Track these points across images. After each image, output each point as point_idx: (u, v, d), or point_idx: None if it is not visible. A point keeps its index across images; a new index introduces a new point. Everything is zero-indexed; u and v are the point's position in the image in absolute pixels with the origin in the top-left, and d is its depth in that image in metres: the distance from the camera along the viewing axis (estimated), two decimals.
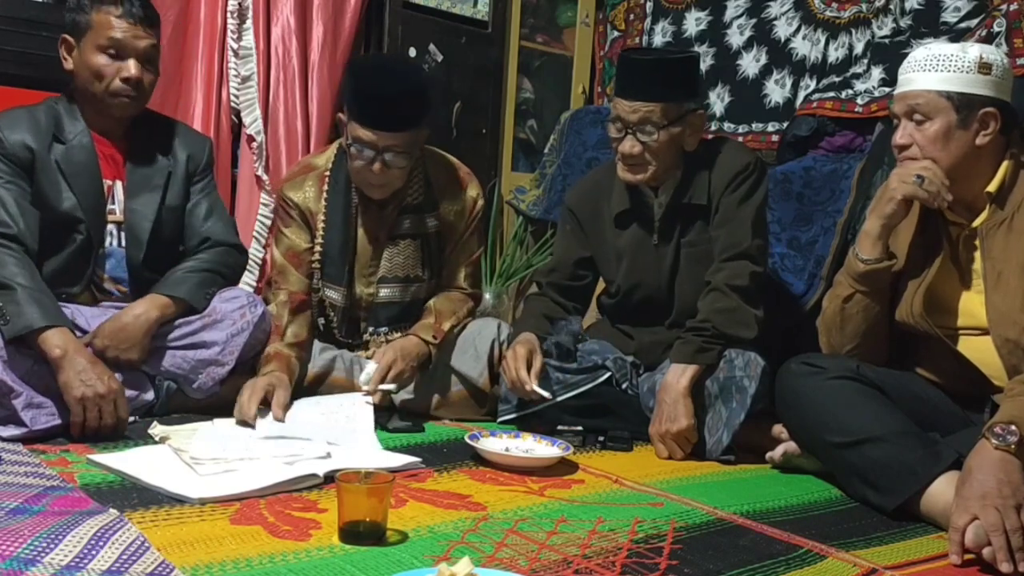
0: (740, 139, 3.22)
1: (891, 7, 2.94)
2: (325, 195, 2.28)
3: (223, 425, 1.95)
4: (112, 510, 1.37)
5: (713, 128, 3.33)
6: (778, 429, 2.02)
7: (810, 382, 1.84)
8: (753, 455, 2.06)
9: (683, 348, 2.10)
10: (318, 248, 2.27)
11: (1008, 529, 1.43)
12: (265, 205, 3.01)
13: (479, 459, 1.90)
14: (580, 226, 2.38)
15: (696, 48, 3.46)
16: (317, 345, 2.27)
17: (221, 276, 2.14)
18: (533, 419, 2.20)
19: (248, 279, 2.82)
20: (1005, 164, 1.80)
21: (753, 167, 2.20)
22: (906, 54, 1.92)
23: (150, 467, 1.63)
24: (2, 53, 2.50)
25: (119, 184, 2.12)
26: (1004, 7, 2.59)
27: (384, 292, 2.33)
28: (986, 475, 1.48)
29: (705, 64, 3.38)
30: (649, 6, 3.74)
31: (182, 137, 2.24)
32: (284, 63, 3.12)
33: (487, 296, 3.53)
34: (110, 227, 2.11)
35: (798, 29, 3.23)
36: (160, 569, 1.19)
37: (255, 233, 2.97)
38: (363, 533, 1.36)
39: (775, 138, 3.18)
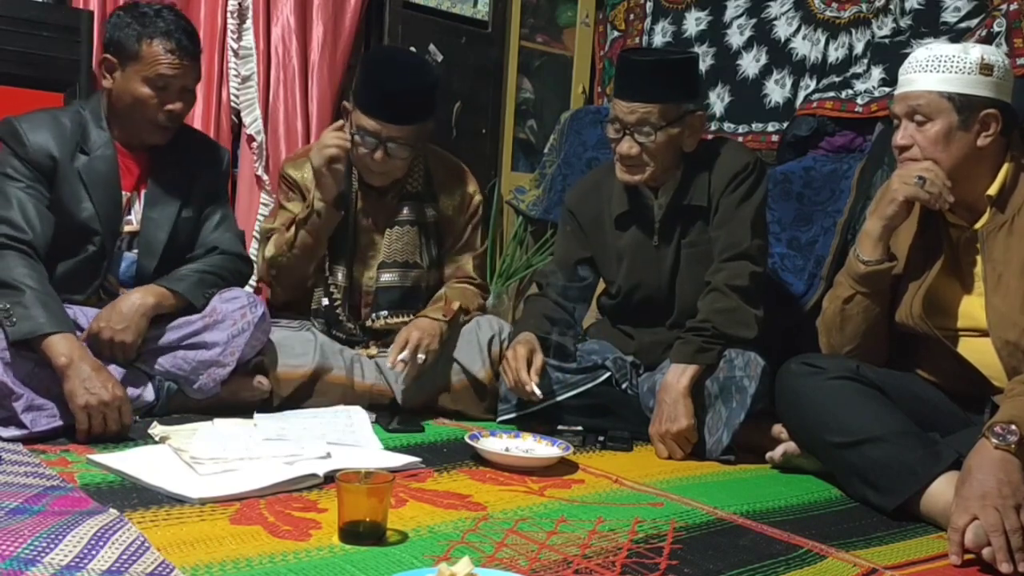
0: (740, 139, 3.22)
1: (891, 7, 2.94)
2: None
3: (223, 425, 1.95)
4: (112, 510, 1.37)
5: (713, 128, 3.33)
6: (778, 429, 2.03)
7: (810, 382, 1.85)
8: (753, 455, 2.06)
9: (683, 348, 2.10)
10: None
11: (1008, 529, 1.43)
12: (265, 205, 3.01)
13: (479, 459, 1.90)
14: (580, 227, 2.38)
15: (696, 48, 3.46)
16: (317, 340, 2.27)
17: (222, 279, 2.15)
18: (533, 419, 2.20)
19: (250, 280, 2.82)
20: (1006, 167, 1.80)
21: (752, 167, 2.20)
22: (906, 54, 1.92)
23: (150, 467, 1.63)
24: (2, 53, 2.49)
25: (137, 196, 2.13)
26: (1004, 7, 2.59)
27: (385, 276, 2.36)
28: (986, 475, 1.48)
29: (705, 64, 3.38)
30: (649, 6, 3.74)
31: (201, 147, 2.26)
32: (284, 63, 3.12)
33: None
34: (124, 237, 2.12)
35: (798, 29, 3.23)
36: (160, 569, 1.19)
37: (255, 233, 2.97)
38: (363, 533, 1.36)
39: (775, 138, 3.18)
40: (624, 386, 2.25)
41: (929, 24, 2.83)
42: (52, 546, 1.20)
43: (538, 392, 2.09)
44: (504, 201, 3.79)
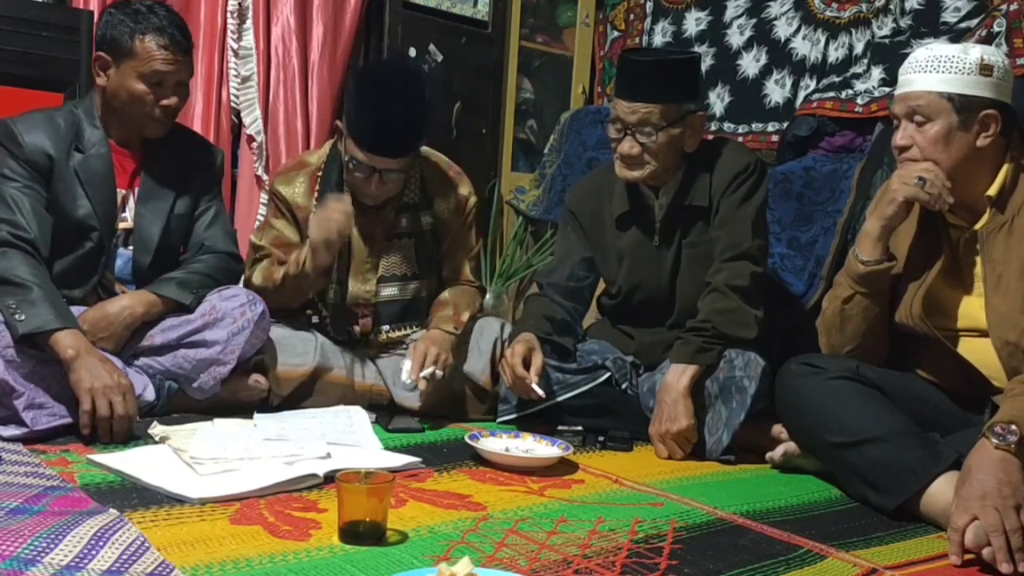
0: (740, 139, 3.22)
1: (891, 7, 2.94)
2: (316, 194, 2.28)
3: (223, 425, 1.95)
4: (112, 510, 1.37)
5: (713, 128, 3.33)
6: (778, 429, 2.03)
7: (810, 382, 1.85)
8: (753, 455, 2.06)
9: (683, 348, 2.10)
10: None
11: (1008, 529, 1.43)
12: (265, 205, 3.01)
13: (479, 459, 1.90)
14: (581, 227, 2.38)
15: (696, 48, 3.46)
16: (317, 339, 2.27)
17: (214, 281, 2.15)
18: (533, 419, 2.20)
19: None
20: (1005, 167, 1.80)
21: (753, 168, 2.20)
22: (906, 54, 1.92)
23: (150, 467, 1.63)
24: (2, 53, 2.50)
25: (132, 193, 2.14)
26: (1004, 7, 2.59)
27: (385, 291, 2.33)
28: (986, 475, 1.48)
29: (705, 64, 3.39)
30: (649, 6, 3.74)
31: (195, 147, 2.26)
32: (284, 63, 3.12)
33: (487, 296, 3.53)
34: (119, 233, 2.12)
35: (798, 29, 3.23)
36: (160, 569, 1.19)
37: (252, 237, 2.97)
38: (363, 533, 1.36)
39: (775, 138, 3.18)
40: (624, 386, 2.25)
41: (929, 24, 2.83)
42: (52, 546, 1.20)
43: (540, 392, 2.08)
44: (504, 201, 3.79)
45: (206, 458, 1.68)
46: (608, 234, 2.33)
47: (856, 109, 2.86)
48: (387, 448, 1.91)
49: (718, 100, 3.42)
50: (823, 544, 1.50)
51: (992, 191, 1.80)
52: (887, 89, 2.78)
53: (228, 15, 3.00)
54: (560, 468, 1.89)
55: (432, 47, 3.51)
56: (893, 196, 1.81)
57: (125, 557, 1.20)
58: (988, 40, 2.55)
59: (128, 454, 1.73)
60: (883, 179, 2.53)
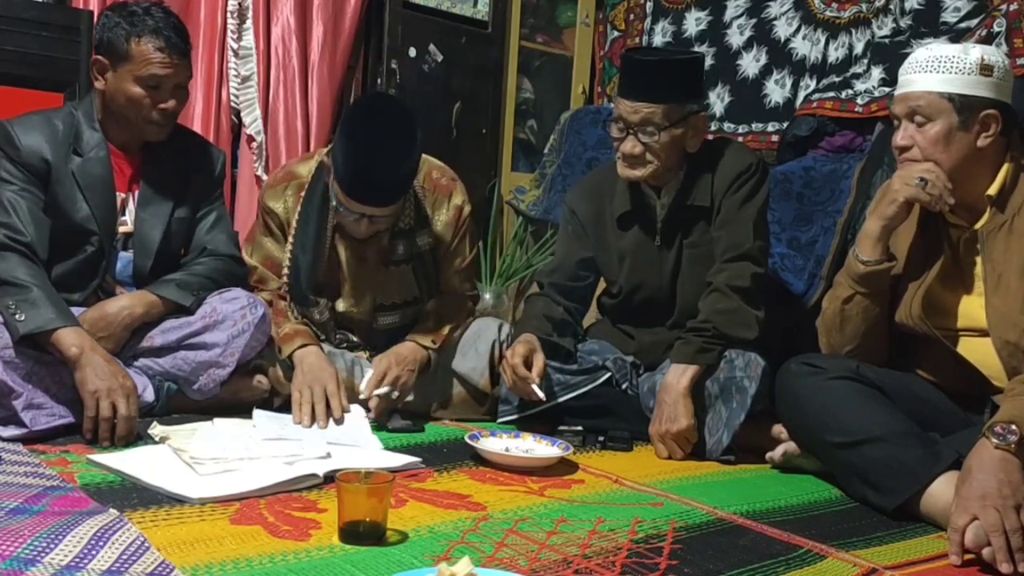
0: (740, 139, 3.22)
1: (891, 7, 2.95)
2: (299, 211, 2.23)
3: (223, 425, 1.95)
4: (112, 510, 1.37)
5: (713, 128, 3.33)
6: (778, 429, 2.02)
7: (810, 382, 1.84)
8: (753, 455, 2.06)
9: (684, 348, 2.10)
10: (285, 267, 2.24)
11: (1008, 529, 1.43)
12: None
13: (479, 459, 1.90)
14: (582, 226, 2.37)
15: (696, 48, 3.46)
16: None
17: (214, 283, 2.14)
18: (533, 419, 2.20)
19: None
20: (1005, 167, 1.80)
21: (755, 168, 2.20)
22: (906, 54, 1.92)
23: (150, 467, 1.63)
24: (2, 53, 2.50)
25: (131, 197, 2.13)
26: (1004, 7, 2.59)
27: (384, 320, 2.32)
28: (986, 475, 1.48)
29: (705, 64, 3.38)
30: (649, 6, 3.74)
31: (196, 150, 2.25)
32: (284, 63, 3.12)
33: (487, 296, 3.53)
34: (119, 237, 2.12)
35: (798, 29, 3.23)
36: (160, 569, 1.19)
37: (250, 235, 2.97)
38: (363, 533, 1.35)
39: (775, 138, 3.18)
40: (624, 386, 2.24)
41: (929, 24, 2.83)
42: (52, 546, 1.20)
43: (541, 394, 2.08)
44: (504, 201, 3.79)
45: (206, 458, 1.68)
46: (609, 234, 2.33)
47: (856, 109, 2.86)
48: (387, 448, 1.91)
49: (718, 100, 3.42)
50: (823, 544, 1.50)
51: (992, 191, 1.80)
52: (887, 89, 2.78)
53: (228, 15, 3.01)
54: (560, 468, 1.89)
55: (432, 47, 3.52)
56: (894, 196, 1.81)
57: (125, 557, 1.20)
58: (988, 40, 2.55)
59: (128, 454, 1.73)
60: (883, 179, 2.53)
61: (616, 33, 3.90)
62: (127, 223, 2.13)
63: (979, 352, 1.80)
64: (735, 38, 3.40)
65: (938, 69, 1.76)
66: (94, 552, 1.20)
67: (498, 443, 1.96)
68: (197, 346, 2.05)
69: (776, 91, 3.27)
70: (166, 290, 2.06)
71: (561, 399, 2.21)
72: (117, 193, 2.09)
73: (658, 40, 3.68)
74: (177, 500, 1.49)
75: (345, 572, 1.25)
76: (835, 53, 3.10)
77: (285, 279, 2.25)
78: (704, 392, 2.09)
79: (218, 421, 1.98)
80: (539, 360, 2.12)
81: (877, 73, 2.88)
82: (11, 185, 1.99)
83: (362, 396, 2.12)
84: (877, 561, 1.44)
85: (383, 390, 2.11)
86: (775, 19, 3.29)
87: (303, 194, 2.24)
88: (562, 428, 2.18)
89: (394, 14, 3.40)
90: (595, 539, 1.45)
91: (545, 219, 3.64)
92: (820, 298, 2.33)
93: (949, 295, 1.85)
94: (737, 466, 2.03)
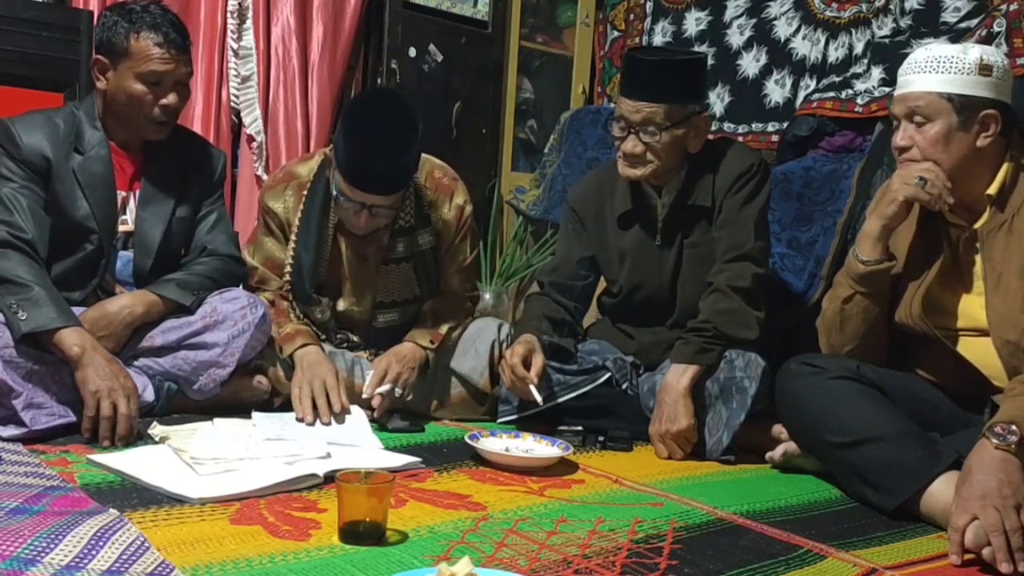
0: (740, 139, 3.22)
1: (891, 7, 2.95)
2: (301, 210, 2.24)
3: (223, 425, 1.95)
4: (112, 510, 1.37)
5: (713, 128, 3.32)
6: (778, 429, 2.02)
7: (810, 382, 1.84)
8: (753, 455, 2.06)
9: (684, 348, 2.10)
10: (288, 265, 2.25)
11: (1008, 529, 1.43)
12: None
13: (479, 459, 1.90)
14: (582, 226, 2.37)
15: (696, 48, 3.46)
16: None
17: (215, 283, 2.14)
18: (533, 419, 2.20)
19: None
20: (1005, 167, 1.80)
21: (756, 168, 2.20)
22: (906, 54, 1.92)
23: (150, 467, 1.63)
24: (2, 53, 2.50)
25: (132, 196, 2.13)
26: (1004, 7, 2.59)
27: (383, 318, 2.32)
28: (986, 475, 1.48)
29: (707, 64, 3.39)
30: (649, 6, 3.74)
31: (196, 150, 2.25)
32: (284, 63, 3.12)
33: (487, 296, 3.53)
34: (120, 236, 2.12)
35: (798, 29, 3.23)
36: (160, 569, 1.19)
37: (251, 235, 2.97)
38: (363, 533, 1.35)
39: (775, 138, 3.18)
40: (624, 386, 2.24)
41: (929, 24, 2.83)
42: (52, 546, 1.20)
43: (538, 396, 2.08)
44: (504, 201, 3.79)
45: (206, 458, 1.68)
46: (610, 233, 2.33)
47: (856, 109, 2.86)
48: (387, 448, 1.91)
49: (718, 100, 3.42)
50: (823, 544, 1.50)
51: (992, 191, 1.80)
52: (887, 89, 2.78)
53: (228, 15, 3.01)
54: (560, 468, 1.89)
55: (432, 47, 3.52)
56: (894, 196, 1.81)
57: (125, 557, 1.20)
58: (988, 40, 2.55)
59: (128, 454, 1.72)
60: (883, 179, 2.53)
61: (616, 33, 3.90)
62: (128, 222, 2.13)
63: (979, 352, 1.80)
64: (735, 38, 3.40)
65: (937, 69, 1.76)
66: (94, 552, 1.20)
67: (498, 443, 1.96)
68: (197, 346, 2.05)
69: (776, 91, 3.27)
70: (166, 290, 2.06)
71: (561, 399, 2.21)
72: (118, 192, 2.10)
73: (658, 40, 3.68)
74: (177, 500, 1.49)
75: (345, 572, 1.25)
76: (835, 53, 3.10)
77: (288, 277, 2.25)
78: (704, 392, 2.09)
79: (218, 421, 1.98)
80: (538, 360, 2.12)
81: (877, 73, 2.88)
82: (11, 182, 1.99)
83: (365, 395, 2.12)
84: (877, 561, 1.44)
85: (385, 388, 2.11)
86: (775, 19, 3.30)
87: (304, 193, 2.24)
88: (562, 428, 2.18)
89: (394, 14, 3.40)
90: (595, 539, 1.45)
91: (545, 219, 3.65)
92: (820, 298, 2.32)
93: (949, 295, 1.85)
94: (737, 466, 2.03)
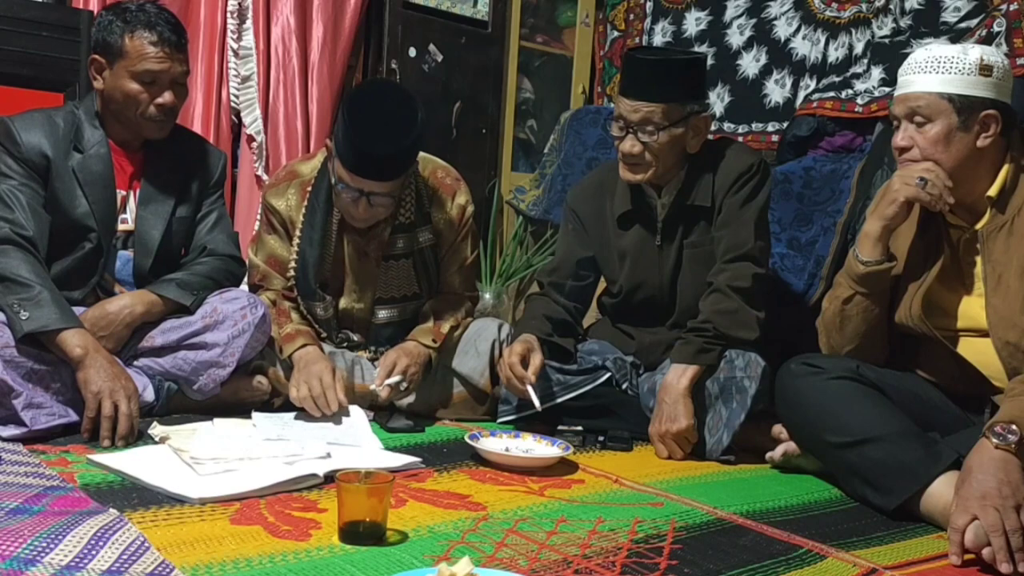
0: (740, 139, 3.22)
1: (891, 7, 2.95)
2: (304, 207, 2.24)
3: (223, 425, 1.95)
4: (112, 510, 1.37)
5: (713, 128, 3.32)
6: (778, 429, 2.02)
7: (810, 382, 1.84)
8: (753, 455, 2.06)
9: (684, 348, 2.10)
10: (292, 261, 2.24)
11: (1008, 529, 1.43)
12: None
13: (479, 459, 1.90)
14: (582, 226, 2.37)
15: (696, 48, 3.46)
16: None
17: (215, 283, 2.15)
18: (533, 419, 2.20)
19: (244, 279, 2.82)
20: (1006, 167, 1.80)
21: (757, 168, 2.20)
22: (906, 54, 1.92)
23: (150, 467, 1.63)
24: (2, 53, 2.50)
25: (132, 195, 2.13)
26: (1004, 7, 2.59)
27: (382, 313, 2.32)
28: (986, 475, 1.48)
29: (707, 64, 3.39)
30: (649, 6, 3.74)
31: (197, 151, 2.26)
32: (284, 63, 3.12)
33: (487, 296, 3.53)
34: (119, 235, 2.12)
35: (798, 29, 3.23)
36: (160, 569, 1.19)
37: (255, 234, 2.97)
38: (363, 533, 1.36)
39: (775, 138, 3.18)
40: (624, 386, 2.24)
41: (929, 24, 2.83)
42: (52, 546, 1.20)
43: (535, 398, 2.07)
44: (504, 201, 3.80)
45: (206, 458, 1.68)
46: (610, 233, 2.33)
47: (856, 109, 2.86)
48: (387, 448, 1.91)
49: (718, 100, 3.42)
50: (823, 544, 1.50)
51: (992, 191, 1.79)
52: (887, 89, 2.78)
53: (228, 15, 3.01)
54: (560, 468, 1.89)
55: (432, 47, 3.52)
56: (894, 196, 1.81)
57: (125, 557, 1.20)
58: (988, 40, 2.55)
59: (128, 454, 1.73)
60: (883, 179, 2.53)
61: (616, 33, 3.90)
62: (128, 221, 2.13)
63: (979, 352, 1.80)
64: (735, 38, 3.40)
65: (938, 69, 1.76)
66: (94, 552, 1.20)
67: (498, 443, 1.96)
68: (197, 346, 2.05)
69: (776, 91, 3.27)
70: (167, 289, 2.06)
71: (561, 399, 2.21)
72: (118, 191, 2.10)
73: (658, 40, 3.68)
74: (177, 500, 1.49)
75: (345, 572, 1.25)
76: (835, 53, 3.10)
77: (292, 273, 2.25)
78: (704, 392, 2.09)
79: (218, 421, 1.98)
80: (536, 360, 2.12)
81: (877, 73, 2.88)
82: (11, 180, 2.00)
83: (373, 387, 2.13)
84: (877, 561, 1.44)
85: (394, 379, 2.11)
86: (775, 19, 3.30)
87: (308, 191, 2.25)
88: (562, 428, 2.18)
89: (394, 14, 3.40)
90: (595, 539, 1.46)
91: (545, 219, 3.65)
92: (820, 298, 2.33)
93: (949, 295, 1.85)
94: (737, 466, 2.03)
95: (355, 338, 2.34)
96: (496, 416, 2.25)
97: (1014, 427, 1.51)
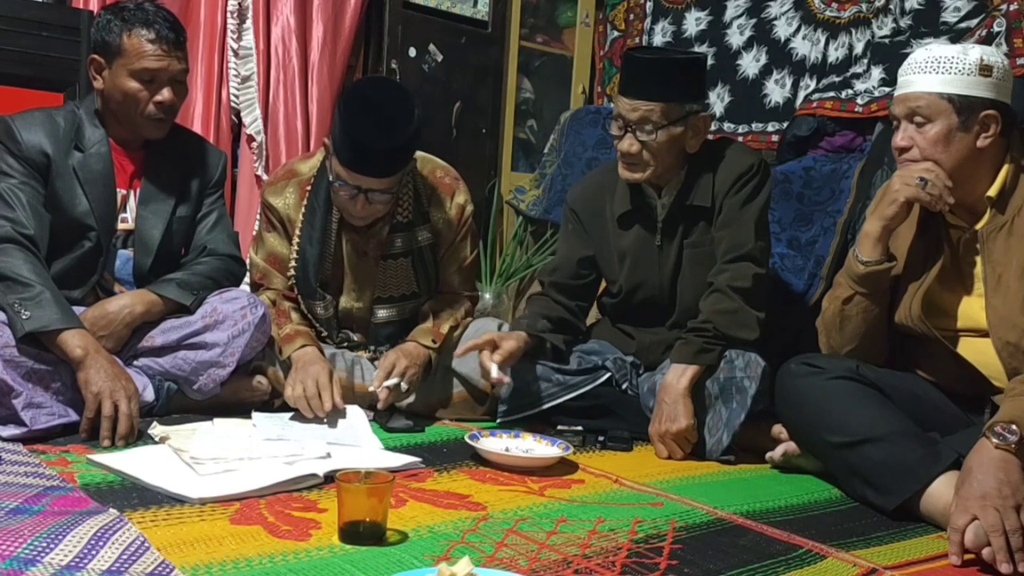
0: (740, 139, 3.22)
1: (891, 7, 2.95)
2: (304, 206, 2.24)
3: (223, 425, 1.95)
4: (112, 510, 1.37)
5: (713, 128, 3.32)
6: (778, 429, 2.02)
7: (810, 382, 1.84)
8: (753, 455, 2.06)
9: (684, 349, 2.10)
10: (293, 260, 2.25)
11: (1008, 529, 1.43)
12: None
13: (479, 459, 1.90)
14: (582, 226, 2.37)
15: (696, 48, 3.46)
16: None
17: (215, 283, 2.15)
18: (533, 419, 2.20)
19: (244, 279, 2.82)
20: (1006, 168, 1.80)
21: (757, 168, 2.19)
22: (906, 54, 1.92)
23: (150, 467, 1.63)
24: (2, 53, 2.50)
25: (132, 194, 2.13)
26: (1004, 7, 2.60)
27: (381, 312, 2.32)
28: (986, 475, 1.48)
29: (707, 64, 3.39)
30: (649, 6, 3.74)
31: (197, 150, 2.26)
32: (284, 63, 3.12)
33: (487, 296, 3.53)
34: (119, 234, 2.12)
35: (798, 29, 3.23)
36: (160, 569, 1.19)
37: (255, 233, 2.97)
38: (363, 533, 1.36)
39: (775, 138, 3.18)
40: (624, 386, 2.24)
41: (929, 24, 2.83)
42: (52, 546, 1.20)
43: (495, 374, 2.06)
44: (504, 201, 3.80)
45: (206, 458, 1.68)
46: (610, 233, 2.33)
47: (856, 109, 2.86)
48: (387, 448, 1.91)
49: (718, 100, 3.42)
50: (823, 544, 1.50)
51: (992, 192, 1.79)
52: (887, 89, 2.78)
53: (228, 15, 3.01)
54: (560, 468, 1.89)
55: (432, 47, 3.52)
56: (894, 196, 1.81)
57: (125, 557, 1.20)
58: (988, 40, 2.56)
59: (128, 454, 1.73)
60: (883, 179, 2.53)
61: (616, 33, 3.90)
62: (128, 220, 2.13)
63: (979, 352, 1.80)
64: (735, 38, 3.40)
65: (937, 70, 1.76)
66: (94, 552, 1.20)
67: (498, 443, 1.96)
68: (197, 346, 2.05)
69: (776, 91, 3.27)
70: (167, 289, 2.06)
71: (561, 399, 2.21)
72: (118, 190, 2.10)
73: (658, 40, 3.68)
74: (177, 500, 1.49)
75: (345, 572, 1.25)
76: (835, 53, 3.10)
77: (292, 272, 2.25)
78: (704, 392, 2.09)
79: (218, 421, 1.98)
80: (506, 344, 2.11)
81: (877, 73, 2.88)
82: (11, 178, 2.00)
83: (372, 388, 2.13)
84: (877, 561, 1.44)
85: (393, 381, 2.11)
86: (775, 19, 3.30)
87: (307, 190, 2.25)
88: (562, 428, 2.18)
89: (394, 14, 3.40)
90: (595, 539, 1.46)
91: (545, 219, 3.65)
92: (820, 298, 2.33)
93: (949, 296, 1.85)
94: (737, 466, 2.03)
95: (355, 338, 2.35)
96: (496, 416, 2.25)
97: (1014, 427, 1.51)
